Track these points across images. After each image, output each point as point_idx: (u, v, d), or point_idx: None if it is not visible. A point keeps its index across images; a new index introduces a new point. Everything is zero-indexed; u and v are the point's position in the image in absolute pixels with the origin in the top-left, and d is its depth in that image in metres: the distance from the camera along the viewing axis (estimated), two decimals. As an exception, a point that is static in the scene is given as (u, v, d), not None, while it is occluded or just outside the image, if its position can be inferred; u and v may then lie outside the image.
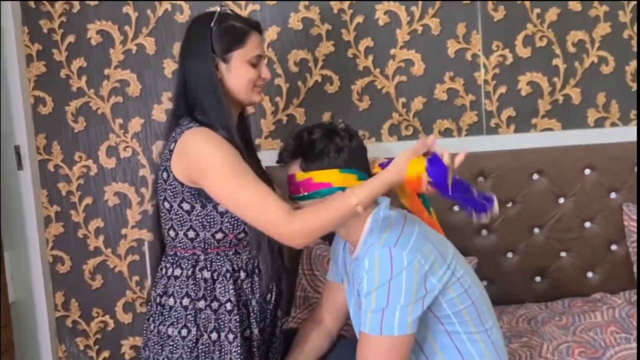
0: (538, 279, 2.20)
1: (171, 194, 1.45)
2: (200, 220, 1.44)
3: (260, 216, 1.36)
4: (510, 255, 2.19)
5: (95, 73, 2.16)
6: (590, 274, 2.20)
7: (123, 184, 2.21)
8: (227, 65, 1.47)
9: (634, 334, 1.90)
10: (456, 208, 2.17)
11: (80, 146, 2.20)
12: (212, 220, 1.44)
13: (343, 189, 1.42)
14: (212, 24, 1.46)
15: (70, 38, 2.14)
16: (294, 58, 2.18)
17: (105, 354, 2.28)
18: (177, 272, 1.47)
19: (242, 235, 1.47)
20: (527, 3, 2.19)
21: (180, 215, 1.45)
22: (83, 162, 2.20)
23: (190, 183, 1.43)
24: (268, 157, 2.13)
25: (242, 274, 1.48)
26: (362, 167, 1.48)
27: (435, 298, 1.40)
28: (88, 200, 2.21)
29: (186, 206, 1.44)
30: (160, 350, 1.47)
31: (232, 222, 1.45)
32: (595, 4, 2.20)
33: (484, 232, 2.19)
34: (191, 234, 1.45)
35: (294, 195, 1.47)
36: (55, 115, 2.18)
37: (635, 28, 2.22)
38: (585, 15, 2.21)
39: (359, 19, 2.17)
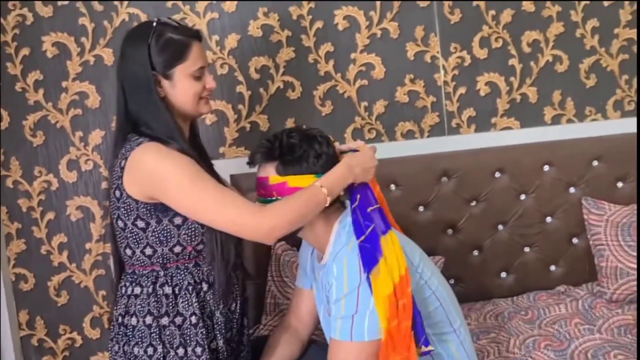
0: (504, 274, 2.25)
1: (125, 212, 1.42)
2: (157, 235, 1.42)
3: (228, 219, 1.35)
4: (476, 252, 2.23)
5: (53, 86, 2.12)
6: (553, 268, 2.26)
7: (85, 198, 2.17)
8: (169, 82, 1.43)
9: (597, 324, 1.95)
10: (421, 208, 2.20)
11: (39, 160, 2.15)
12: (168, 234, 1.42)
13: None
14: (149, 39, 1.40)
15: (25, 51, 2.10)
16: (254, 65, 2.18)
17: (74, 371, 2.24)
18: (137, 290, 1.45)
19: (201, 246, 1.45)
20: (482, 4, 2.23)
21: (136, 233, 1.42)
22: (43, 176, 2.16)
23: (146, 199, 1.40)
24: (233, 165, 2.15)
25: (205, 286, 1.46)
26: (335, 158, 1.48)
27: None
28: (50, 215, 2.17)
29: (141, 223, 1.41)
30: None
31: (190, 234, 1.43)
32: (548, 4, 2.26)
33: (450, 231, 2.22)
34: (148, 250, 1.43)
35: (264, 198, 1.46)
36: (13, 130, 2.13)
37: (588, 27, 2.28)
38: (538, 15, 2.26)
39: (319, 24, 2.18)
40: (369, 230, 1.40)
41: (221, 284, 1.45)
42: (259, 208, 1.37)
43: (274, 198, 1.44)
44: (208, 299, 1.46)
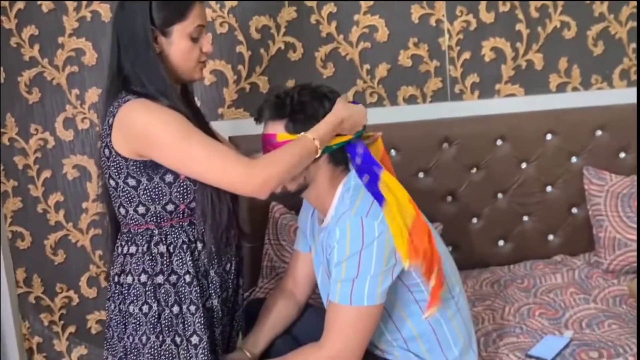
0: (501, 242, 2.24)
1: (115, 170, 1.40)
2: (149, 194, 1.40)
3: (217, 171, 1.33)
4: (474, 220, 2.23)
5: (48, 42, 2.07)
6: (551, 237, 2.25)
7: (82, 157, 2.15)
8: (167, 39, 1.40)
9: (592, 294, 1.96)
10: (421, 175, 2.18)
11: (35, 118, 2.12)
12: (160, 192, 1.40)
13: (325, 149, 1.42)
14: None
15: (20, 4, 2.04)
16: (255, 25, 2.13)
17: (71, 329, 2.25)
18: (133, 249, 1.44)
19: (194, 204, 1.43)
20: (491, -33, 2.17)
21: (127, 191, 1.41)
22: (39, 134, 2.13)
23: (135, 156, 1.38)
24: (231, 126, 2.12)
25: (199, 245, 1.45)
26: None
27: (404, 267, 1.40)
28: (46, 173, 2.15)
29: (132, 182, 1.40)
30: (124, 329, 1.45)
31: (182, 192, 1.41)
32: (558, -33, 2.20)
33: (449, 198, 2.21)
34: (141, 209, 1.42)
35: None
36: (8, 86, 2.09)
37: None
38: (547, -21, 2.21)
39: (322, -17, 2.13)
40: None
41: (214, 244, 1.44)
42: (249, 161, 1.34)
43: None
44: (202, 258, 1.46)
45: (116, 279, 1.46)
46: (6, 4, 2.03)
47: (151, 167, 1.38)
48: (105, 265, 2.21)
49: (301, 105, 1.41)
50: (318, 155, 1.40)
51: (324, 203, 1.49)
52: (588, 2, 2.23)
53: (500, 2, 2.19)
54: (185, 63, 1.42)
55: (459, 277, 1.59)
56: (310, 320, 1.68)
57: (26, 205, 2.17)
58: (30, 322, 2.23)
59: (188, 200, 1.42)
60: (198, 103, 2.12)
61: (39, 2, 2.04)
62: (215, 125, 2.09)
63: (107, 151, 1.41)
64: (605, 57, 2.27)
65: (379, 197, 1.39)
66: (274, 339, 1.61)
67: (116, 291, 1.46)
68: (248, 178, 1.33)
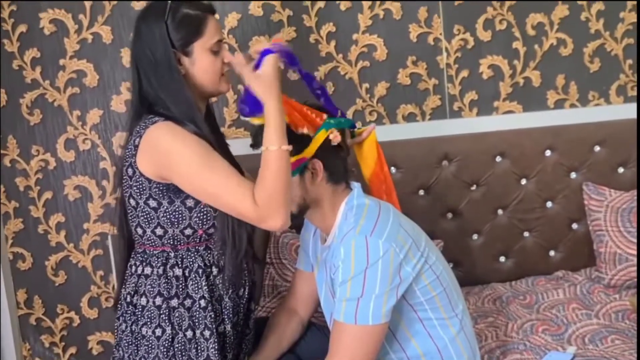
0: (502, 259, 2.25)
1: (137, 190, 1.41)
2: (168, 216, 1.41)
3: (239, 207, 1.33)
4: (475, 236, 2.23)
5: (50, 64, 2.09)
6: (552, 253, 2.26)
7: (83, 177, 2.16)
8: (189, 58, 1.41)
9: (595, 309, 1.96)
10: (422, 192, 2.19)
11: (37, 139, 2.13)
12: (180, 216, 1.41)
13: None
14: (165, 17, 1.38)
15: (22, 28, 2.06)
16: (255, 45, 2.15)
17: (72, 350, 2.24)
18: (148, 270, 1.44)
19: (212, 230, 1.44)
20: (487, -14, 2.20)
21: (147, 212, 1.41)
22: (41, 155, 2.14)
23: (159, 179, 1.39)
24: (232, 145, 2.12)
25: (215, 270, 1.46)
26: None
27: (409, 286, 1.41)
28: (47, 194, 2.16)
29: (153, 203, 1.40)
30: (135, 350, 1.44)
31: (201, 217, 1.42)
32: (554, -14, 2.23)
33: (450, 215, 2.21)
34: (159, 231, 1.42)
35: None
36: (10, 109, 2.11)
37: (593, 10, 2.25)
38: (543, -1, 2.23)
39: (320, 4, 2.15)
40: None
41: (231, 272, 1.44)
42: (254, 198, 1.32)
43: None
44: (217, 283, 1.46)
45: (128, 298, 1.46)
46: (9, 27, 2.05)
47: (173, 191, 1.39)
48: (107, 285, 2.21)
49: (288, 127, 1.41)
50: (289, 148, 1.35)
51: (326, 222, 1.50)
52: (583, 19, 2.25)
53: (497, 21, 2.22)
54: (209, 78, 1.43)
55: (461, 295, 1.59)
56: (314, 339, 1.68)
57: (27, 227, 2.17)
58: (31, 344, 2.22)
59: (207, 225, 1.43)
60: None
61: (41, 25, 2.06)
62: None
63: (130, 170, 1.41)
64: (602, 74, 2.29)
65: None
66: (279, 358, 1.61)
67: (128, 311, 1.46)
68: (268, 215, 1.31)
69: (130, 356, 1.44)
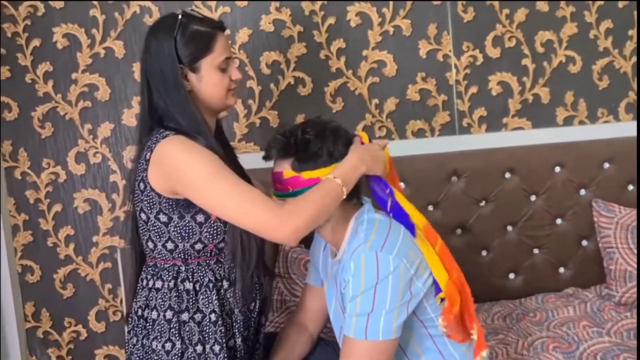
0: (512, 275, 2.23)
1: (148, 205, 1.41)
2: (179, 231, 1.41)
3: (251, 219, 1.32)
4: (484, 253, 2.22)
5: (62, 77, 2.11)
6: (562, 270, 2.24)
7: (93, 191, 2.16)
8: (196, 75, 1.42)
9: (606, 327, 1.94)
10: (431, 207, 2.18)
11: (48, 152, 2.14)
12: (190, 230, 1.41)
13: None
14: (175, 32, 1.39)
15: (36, 42, 2.09)
16: (265, 60, 2.16)
17: (78, 364, 2.24)
18: (159, 284, 1.44)
19: (223, 244, 1.44)
20: (496, 4, 2.21)
21: (158, 226, 1.41)
22: (51, 168, 2.15)
23: (170, 194, 1.39)
24: (242, 160, 2.12)
25: (225, 284, 1.45)
26: (346, 152, 1.47)
27: (419, 302, 1.40)
28: (57, 207, 2.16)
29: (163, 218, 1.41)
30: None
31: (212, 232, 1.42)
32: (562, 4, 2.24)
33: (459, 231, 2.21)
34: (170, 245, 1.42)
35: (281, 192, 1.46)
36: (21, 121, 2.12)
37: (601, 28, 2.27)
38: (552, 15, 2.24)
39: (331, 20, 2.17)
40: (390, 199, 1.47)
41: (242, 285, 1.44)
42: (278, 208, 1.33)
43: (290, 192, 1.44)
44: (228, 297, 1.45)
45: (139, 312, 1.45)
46: (22, 42, 2.08)
47: (183, 206, 1.39)
48: (115, 299, 2.20)
49: (305, 143, 1.43)
50: (344, 196, 1.39)
51: (336, 237, 1.49)
52: (592, 37, 2.26)
53: (506, 38, 2.23)
54: (217, 94, 1.44)
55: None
56: (323, 354, 1.67)
57: (36, 239, 2.17)
58: (37, 357, 2.21)
59: (217, 240, 1.43)
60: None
61: (54, 40, 2.09)
62: (226, 158, 2.12)
63: (142, 185, 1.41)
64: (611, 91, 2.30)
65: (411, 228, 1.43)
66: (288, 373, 1.60)
67: (139, 325, 1.45)
68: (278, 226, 1.32)
69: None
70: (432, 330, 1.45)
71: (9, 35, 2.08)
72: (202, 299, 1.43)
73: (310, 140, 1.43)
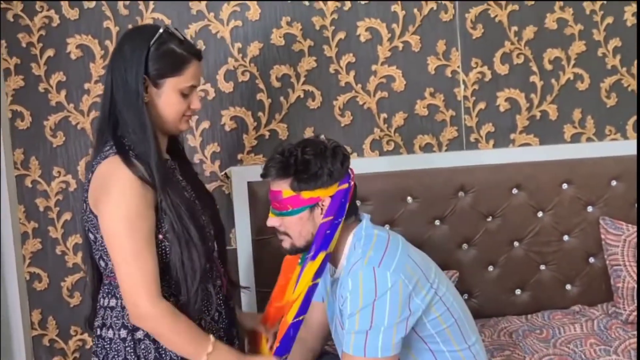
0: (518, 291, 2.23)
1: (92, 225, 1.41)
2: None
3: (127, 287, 1.34)
4: (490, 268, 2.22)
5: (75, 87, 2.14)
6: (569, 287, 2.24)
7: (103, 200, 2.18)
8: (157, 90, 1.40)
9: (613, 345, 1.93)
10: (437, 222, 2.19)
11: (59, 161, 2.16)
12: None
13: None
14: (151, 42, 1.38)
15: (50, 52, 2.12)
16: (276, 73, 2.19)
17: (83, 373, 2.24)
18: (112, 302, 1.42)
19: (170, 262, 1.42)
20: (505, 21, 2.23)
21: (105, 245, 1.38)
22: (62, 177, 2.17)
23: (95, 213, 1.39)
24: (250, 172, 2.15)
25: (182, 298, 1.41)
26: (345, 174, 1.48)
27: (419, 318, 1.39)
28: (67, 216, 2.18)
29: None
30: None
31: (159, 251, 1.40)
32: (571, 22, 2.25)
33: (465, 246, 2.21)
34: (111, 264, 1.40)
35: (279, 211, 1.47)
36: (34, 130, 2.15)
37: (609, 47, 2.28)
38: (561, 33, 2.26)
39: (341, 35, 2.19)
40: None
41: (187, 300, 1.41)
42: (157, 300, 1.34)
43: (289, 211, 1.44)
44: (182, 311, 1.41)
45: (98, 331, 1.45)
46: (37, 51, 2.11)
47: None
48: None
49: (305, 164, 1.43)
50: None
51: (335, 254, 1.49)
52: (600, 55, 2.28)
53: (515, 55, 2.25)
54: (171, 115, 1.43)
55: (474, 326, 1.57)
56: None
57: (45, 247, 2.19)
58: (43, 366, 2.22)
59: (165, 259, 1.41)
60: (217, 149, 2.18)
61: (68, 50, 2.12)
62: (234, 170, 2.14)
63: (84, 205, 1.42)
64: (619, 109, 2.31)
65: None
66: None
67: (99, 344, 1.44)
68: (139, 308, 1.33)
69: None
70: (433, 346, 1.44)
71: (24, 45, 2.11)
72: None
73: (310, 160, 1.43)
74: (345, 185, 1.47)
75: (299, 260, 1.53)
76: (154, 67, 1.38)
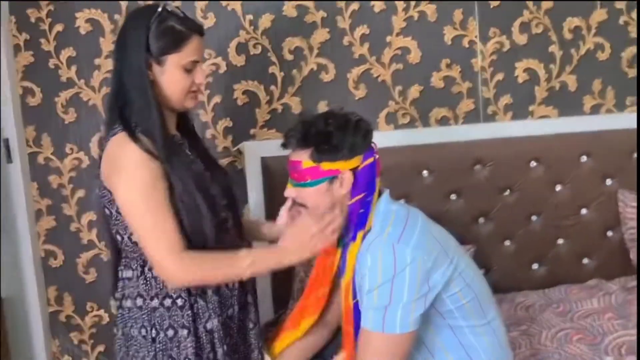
0: (535, 266, 2.21)
1: (107, 200, 1.44)
2: None
3: (150, 250, 1.38)
4: (507, 242, 2.20)
5: (86, 63, 2.11)
6: (586, 261, 2.22)
7: (116, 176, 2.17)
8: (160, 67, 1.42)
9: (633, 320, 1.92)
10: (453, 196, 2.16)
11: (71, 138, 2.14)
12: None
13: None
14: (151, 22, 1.40)
15: (59, 27, 2.08)
16: (288, 46, 2.14)
17: (100, 348, 2.25)
18: (129, 273, 1.47)
19: (183, 231, 1.44)
20: (524, -11, 2.17)
21: (121, 220, 1.43)
22: (74, 154, 2.15)
23: (110, 189, 1.42)
24: (263, 147, 2.13)
25: None
26: (367, 149, 1.45)
27: (438, 294, 1.38)
28: (80, 193, 2.17)
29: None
30: (127, 351, 1.47)
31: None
32: (592, -11, 2.19)
33: (482, 220, 2.18)
34: (134, 237, 1.43)
35: (297, 182, 1.45)
36: (45, 107, 2.12)
37: (633, 14, 2.21)
38: (581, 1, 2.19)
39: (354, 5, 2.14)
40: None
41: None
42: (179, 252, 1.37)
43: (307, 182, 1.42)
44: None
45: (119, 303, 1.50)
46: (46, 27, 2.07)
47: None
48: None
49: (326, 135, 1.41)
50: (244, 279, 1.44)
51: None
52: (622, 24, 2.21)
53: (533, 24, 2.19)
54: (175, 92, 1.44)
55: (493, 301, 1.56)
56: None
57: (59, 224, 2.18)
58: (60, 341, 2.24)
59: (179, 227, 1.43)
60: (229, 123, 2.16)
61: (77, 25, 2.08)
62: (247, 145, 2.12)
63: (98, 182, 1.45)
64: (640, 79, 2.25)
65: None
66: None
67: (119, 315, 1.49)
68: (168, 269, 1.37)
69: (122, 358, 1.48)
70: (452, 322, 1.43)
71: (33, 20, 2.07)
72: None
73: (331, 132, 1.41)
74: (371, 160, 1.44)
75: (337, 245, 1.52)
76: (155, 45, 1.40)
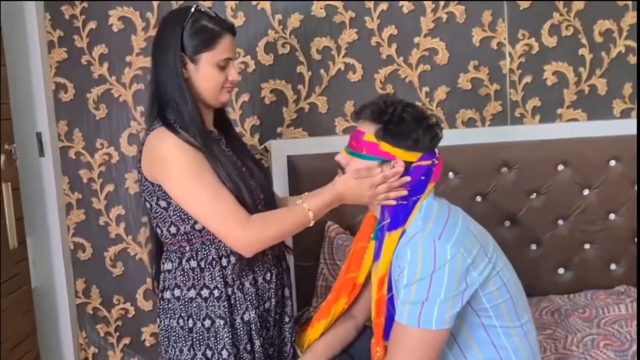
0: (562, 270, 2.19)
1: (148, 194, 1.48)
2: (178, 214, 1.46)
3: (217, 225, 1.41)
4: (534, 246, 2.18)
5: (117, 60, 2.15)
6: (613, 266, 2.18)
7: (144, 172, 2.20)
8: (195, 65, 1.48)
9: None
10: (479, 198, 2.15)
11: (101, 133, 2.19)
12: (189, 213, 1.46)
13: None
14: (185, 22, 1.46)
15: (92, 24, 2.13)
16: (316, 46, 2.16)
17: (126, 340, 2.28)
18: (169, 265, 1.51)
19: None
20: (554, -9, 2.16)
21: (160, 212, 1.48)
22: (105, 149, 2.19)
23: (158, 182, 1.45)
24: (290, 145, 2.15)
25: (232, 258, 1.49)
26: (429, 151, 1.46)
27: (474, 292, 1.38)
28: (109, 187, 2.21)
29: (163, 203, 1.47)
30: (167, 342, 1.52)
31: None
32: (624, -8, 2.16)
33: (507, 223, 2.17)
34: (173, 229, 1.48)
35: (353, 151, 1.47)
36: (77, 102, 2.17)
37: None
38: (613, 4, 2.17)
39: (383, 6, 2.14)
40: None
41: (237, 258, 1.48)
42: (245, 220, 1.40)
43: (361, 154, 1.45)
44: (229, 271, 1.49)
45: (160, 295, 1.54)
46: (79, 24, 2.12)
47: None
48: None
49: (399, 119, 1.43)
50: (311, 224, 1.46)
51: None
52: (655, 27, 2.18)
53: (563, 26, 2.17)
54: (210, 88, 1.50)
55: (527, 305, 1.55)
56: (368, 340, 1.66)
57: (89, 218, 2.23)
58: (87, 333, 2.28)
59: None
60: (257, 122, 2.18)
61: (110, 22, 2.12)
62: (273, 144, 2.14)
63: (140, 176, 1.50)
64: (672, 83, 2.22)
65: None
66: (332, 359, 1.60)
67: (160, 307, 1.53)
68: (237, 237, 1.41)
69: (165, 348, 1.52)
70: (486, 321, 1.42)
71: (67, 17, 2.12)
72: (208, 275, 1.48)
73: (405, 118, 1.43)
74: (428, 162, 1.45)
75: (372, 235, 1.54)
76: (189, 44, 1.46)
